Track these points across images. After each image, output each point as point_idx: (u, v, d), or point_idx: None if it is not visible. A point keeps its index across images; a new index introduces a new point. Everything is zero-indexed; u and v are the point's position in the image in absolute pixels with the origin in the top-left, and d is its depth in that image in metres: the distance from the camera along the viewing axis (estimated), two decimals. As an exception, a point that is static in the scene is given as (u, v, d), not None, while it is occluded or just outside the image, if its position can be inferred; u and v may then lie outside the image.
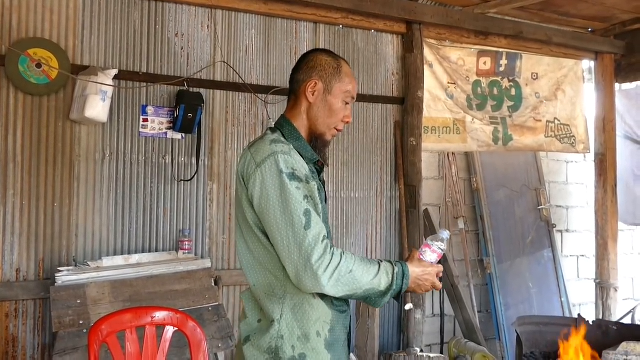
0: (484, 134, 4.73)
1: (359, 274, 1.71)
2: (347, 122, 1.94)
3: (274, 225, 1.70)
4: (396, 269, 1.78)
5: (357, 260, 1.74)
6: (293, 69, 1.95)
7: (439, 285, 1.88)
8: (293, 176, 1.72)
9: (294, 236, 1.68)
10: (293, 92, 1.93)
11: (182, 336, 2.71)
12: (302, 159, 1.81)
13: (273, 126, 1.94)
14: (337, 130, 1.93)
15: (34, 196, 3.25)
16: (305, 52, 2.08)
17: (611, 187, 5.16)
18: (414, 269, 1.82)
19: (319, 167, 1.93)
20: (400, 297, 1.82)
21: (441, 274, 1.90)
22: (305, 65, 1.92)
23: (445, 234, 1.88)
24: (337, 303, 1.82)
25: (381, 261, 1.79)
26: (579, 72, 5.17)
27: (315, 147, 1.90)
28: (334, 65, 1.90)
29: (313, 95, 1.88)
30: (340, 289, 1.69)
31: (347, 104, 1.91)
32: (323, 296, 1.78)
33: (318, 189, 1.80)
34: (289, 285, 1.75)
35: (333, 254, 1.69)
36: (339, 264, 1.68)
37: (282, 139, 1.84)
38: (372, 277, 1.73)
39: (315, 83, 1.87)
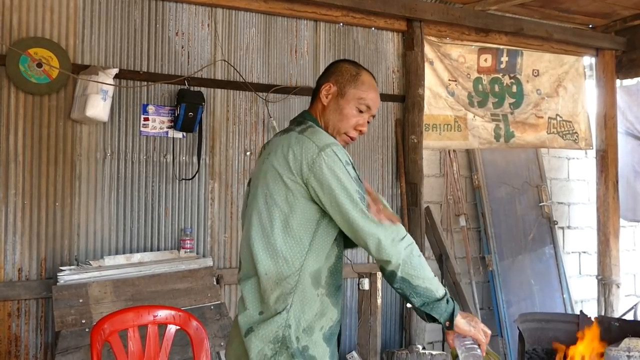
0: (485, 131, 4.72)
1: (425, 264, 1.75)
2: (361, 132, 1.95)
3: (348, 204, 1.72)
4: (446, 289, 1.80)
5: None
6: (320, 75, 2.02)
7: (489, 333, 1.82)
8: (351, 166, 1.79)
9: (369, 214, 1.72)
10: (313, 95, 1.98)
11: (184, 335, 2.72)
12: None
13: (300, 119, 1.96)
14: (350, 138, 1.93)
15: (36, 195, 3.26)
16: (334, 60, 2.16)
17: (612, 183, 5.15)
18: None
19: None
20: (452, 325, 1.76)
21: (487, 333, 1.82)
22: (328, 70, 1.98)
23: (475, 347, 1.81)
24: (333, 300, 1.84)
25: None
26: (580, 68, 5.16)
27: None
28: (353, 72, 1.93)
29: (327, 97, 1.92)
30: (409, 269, 1.71)
31: (361, 112, 1.92)
32: (327, 294, 1.80)
33: None
34: (302, 276, 1.76)
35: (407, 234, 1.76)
36: (412, 244, 1.74)
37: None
38: (433, 275, 1.75)
39: (330, 86, 1.92)
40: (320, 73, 2.02)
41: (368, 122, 1.96)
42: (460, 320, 1.75)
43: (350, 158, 1.81)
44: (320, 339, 1.79)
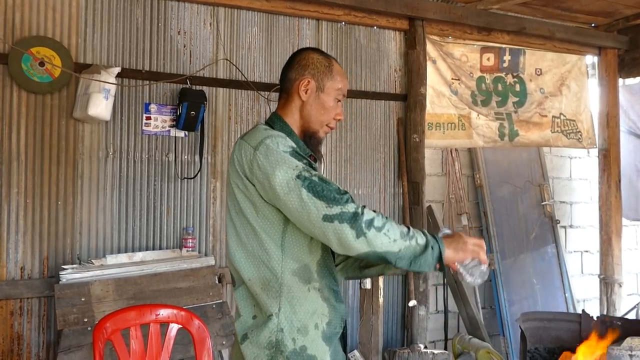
0: (489, 130, 4.71)
1: (392, 225, 1.65)
2: (339, 120, 1.96)
3: (291, 197, 1.66)
4: (424, 231, 1.70)
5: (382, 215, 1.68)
6: (284, 67, 1.97)
7: (482, 241, 1.76)
8: (294, 153, 1.74)
9: (319, 198, 1.63)
10: (285, 90, 1.94)
11: (186, 333, 2.72)
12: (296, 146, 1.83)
13: (264, 122, 1.95)
14: (330, 128, 1.95)
15: (38, 194, 3.26)
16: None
17: (615, 182, 5.14)
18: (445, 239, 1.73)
19: (311, 161, 1.91)
20: (443, 266, 1.70)
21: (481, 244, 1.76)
22: (297, 63, 1.93)
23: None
24: (330, 296, 1.81)
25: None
26: (583, 67, 5.15)
27: (309, 144, 1.91)
28: (326, 64, 1.92)
29: (306, 93, 1.90)
30: (380, 240, 1.61)
31: (338, 101, 1.93)
32: (318, 288, 1.79)
33: None
34: (284, 278, 1.75)
35: (362, 205, 1.66)
36: (372, 216, 1.64)
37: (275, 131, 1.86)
38: (405, 230, 1.66)
39: (308, 81, 1.89)
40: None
41: None
42: (448, 255, 1.69)
43: (294, 146, 1.78)
44: (318, 337, 1.77)
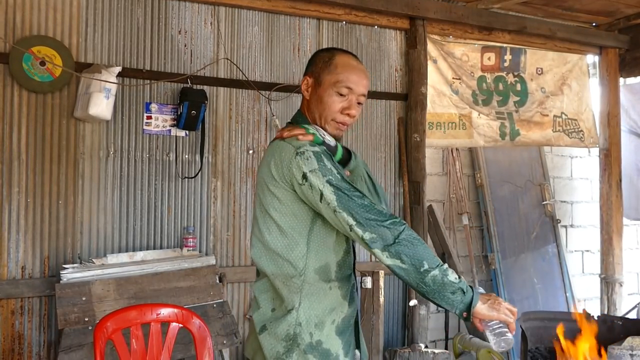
0: (490, 129, 4.71)
1: (424, 246, 1.67)
2: (349, 115, 1.88)
3: (328, 199, 1.69)
4: (462, 277, 1.71)
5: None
6: None
7: (515, 309, 1.73)
8: (331, 160, 1.77)
9: (354, 202, 1.68)
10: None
11: (187, 333, 2.72)
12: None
13: (292, 121, 1.97)
14: (341, 124, 1.89)
15: (39, 194, 3.26)
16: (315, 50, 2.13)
17: (616, 182, 5.14)
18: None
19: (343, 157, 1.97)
20: (470, 316, 1.67)
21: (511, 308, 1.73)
22: (308, 65, 1.97)
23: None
24: (347, 294, 1.86)
25: None
26: (584, 66, 5.15)
27: None
28: (326, 59, 1.90)
29: (307, 91, 1.92)
30: (408, 251, 1.63)
31: (342, 95, 1.86)
32: (338, 287, 1.83)
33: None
34: (307, 275, 1.79)
35: (398, 218, 1.70)
36: (402, 222, 1.68)
37: None
38: (435, 257, 1.67)
39: (307, 79, 1.92)
40: None
41: (360, 104, 1.90)
42: (480, 308, 1.67)
43: (331, 157, 1.79)
44: (332, 332, 1.81)
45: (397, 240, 1.64)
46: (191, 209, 3.66)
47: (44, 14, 3.28)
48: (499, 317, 1.68)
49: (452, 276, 1.66)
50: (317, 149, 1.76)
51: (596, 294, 5.40)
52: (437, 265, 1.65)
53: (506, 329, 1.69)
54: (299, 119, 1.94)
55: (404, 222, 1.70)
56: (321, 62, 1.90)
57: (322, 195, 1.71)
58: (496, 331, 1.69)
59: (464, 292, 1.65)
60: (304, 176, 1.72)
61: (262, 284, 1.87)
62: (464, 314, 1.67)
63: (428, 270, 1.64)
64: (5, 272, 3.17)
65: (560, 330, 3.29)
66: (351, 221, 1.67)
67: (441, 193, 5.03)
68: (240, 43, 3.84)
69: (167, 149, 3.60)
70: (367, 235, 1.66)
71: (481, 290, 1.80)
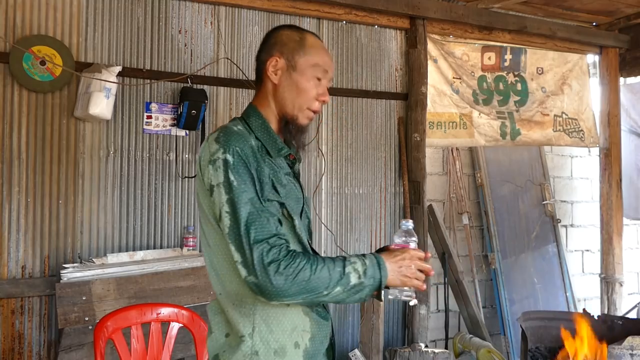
0: (491, 129, 4.71)
1: (316, 274, 1.48)
2: (323, 101, 1.69)
3: (226, 223, 1.50)
4: (367, 261, 1.54)
5: (314, 258, 1.51)
6: (257, 52, 1.76)
7: (428, 267, 1.60)
8: (244, 172, 1.52)
9: (240, 234, 1.47)
10: (257, 75, 1.73)
11: (187, 332, 2.72)
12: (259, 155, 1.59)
13: (240, 116, 1.72)
14: (313, 112, 1.68)
15: (39, 193, 3.26)
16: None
17: (616, 181, 5.14)
18: (387, 259, 1.57)
19: (290, 161, 1.72)
20: (382, 292, 1.57)
21: (422, 254, 1.61)
22: (266, 43, 1.72)
23: (408, 224, 1.66)
24: (312, 311, 1.61)
25: (348, 256, 1.56)
26: (584, 66, 5.15)
27: (290, 133, 1.68)
28: (296, 39, 1.68)
29: (276, 74, 1.66)
30: (297, 288, 1.46)
31: (319, 79, 1.67)
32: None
33: (292, 186, 1.65)
34: None
35: (285, 253, 1.47)
36: (292, 263, 1.46)
37: (245, 130, 1.63)
38: (330, 276, 1.50)
39: (276, 60, 1.66)
40: None
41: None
42: (390, 280, 1.56)
43: (253, 151, 1.56)
44: (299, 357, 1.57)
45: (288, 282, 1.45)
46: (191, 208, 3.66)
47: (44, 13, 3.28)
48: (411, 284, 1.59)
49: (353, 279, 1.50)
50: (234, 153, 1.52)
51: (596, 293, 5.41)
52: (336, 283, 1.49)
53: (411, 292, 1.62)
54: (252, 116, 1.68)
55: (300, 254, 1.50)
56: (291, 41, 1.67)
57: (220, 215, 1.50)
58: (400, 296, 1.63)
59: (372, 283, 1.53)
60: (211, 189, 1.52)
61: (214, 304, 1.64)
62: (375, 293, 1.57)
63: (328, 294, 1.49)
64: (5, 271, 3.17)
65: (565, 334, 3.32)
66: (237, 257, 1.47)
67: (441, 193, 5.03)
68: (240, 43, 3.84)
69: (167, 148, 3.60)
70: (251, 279, 1.45)
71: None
